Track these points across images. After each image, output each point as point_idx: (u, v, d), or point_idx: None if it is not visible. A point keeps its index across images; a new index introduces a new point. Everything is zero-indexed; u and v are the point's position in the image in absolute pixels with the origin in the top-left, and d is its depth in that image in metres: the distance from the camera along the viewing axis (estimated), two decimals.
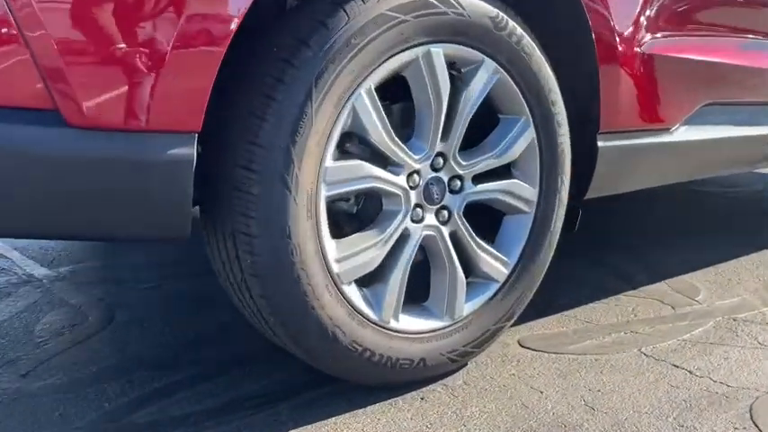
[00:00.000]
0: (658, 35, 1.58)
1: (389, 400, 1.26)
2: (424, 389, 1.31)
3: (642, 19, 1.52)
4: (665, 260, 2.07)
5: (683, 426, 1.21)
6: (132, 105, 0.96)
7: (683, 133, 1.70)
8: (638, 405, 1.28)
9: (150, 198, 1.01)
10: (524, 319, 1.59)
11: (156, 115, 0.98)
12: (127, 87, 0.96)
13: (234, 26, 1.00)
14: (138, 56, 0.95)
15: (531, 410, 1.25)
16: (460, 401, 1.28)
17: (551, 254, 1.47)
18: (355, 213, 1.28)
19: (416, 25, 1.17)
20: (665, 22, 1.59)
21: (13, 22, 0.90)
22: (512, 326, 1.49)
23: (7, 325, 1.56)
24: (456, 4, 1.21)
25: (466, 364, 1.40)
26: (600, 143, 1.51)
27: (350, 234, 1.23)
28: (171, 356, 1.43)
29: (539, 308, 1.64)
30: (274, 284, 1.11)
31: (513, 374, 1.39)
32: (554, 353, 1.48)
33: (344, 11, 1.11)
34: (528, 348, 1.50)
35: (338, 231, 1.23)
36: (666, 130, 1.67)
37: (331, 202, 1.20)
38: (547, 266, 1.46)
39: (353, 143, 1.20)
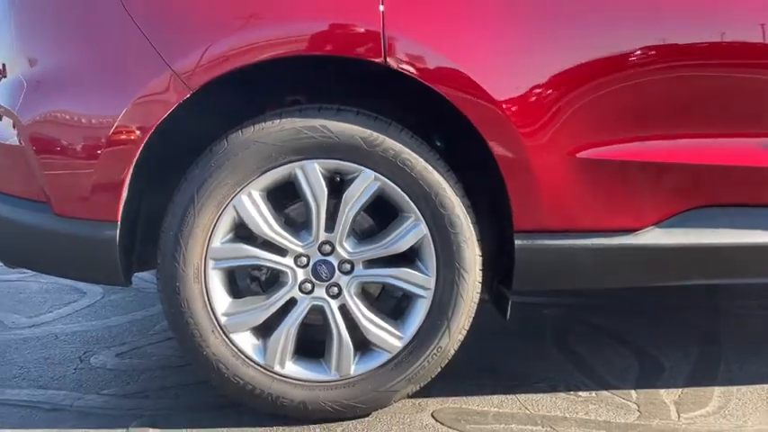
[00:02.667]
0: (596, 139, 1.58)
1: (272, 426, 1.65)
2: (311, 425, 1.66)
3: (565, 126, 1.56)
4: (656, 368, 1.95)
5: None
6: (82, 205, 1.56)
7: (653, 236, 1.64)
8: None
9: (95, 258, 1.59)
10: (460, 390, 1.79)
11: (93, 211, 1.55)
12: (79, 195, 1.56)
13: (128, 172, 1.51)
14: (83, 178, 1.54)
15: None
16: None
17: (457, 336, 1.64)
18: (264, 280, 1.68)
19: (286, 148, 1.52)
20: (602, 126, 1.58)
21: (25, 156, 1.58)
22: (444, 395, 1.72)
23: None
24: (324, 130, 1.52)
25: (367, 415, 1.69)
26: (517, 242, 1.62)
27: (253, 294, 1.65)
28: None
29: (483, 383, 1.79)
30: (174, 326, 1.61)
31: None
32: (455, 430, 1.65)
33: (226, 139, 1.53)
34: (436, 419, 1.69)
35: (249, 291, 1.66)
36: (626, 232, 1.64)
37: (239, 270, 1.64)
38: (451, 347, 1.64)
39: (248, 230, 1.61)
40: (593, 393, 1.81)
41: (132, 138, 1.50)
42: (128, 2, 1.49)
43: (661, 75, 1.57)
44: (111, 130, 1.50)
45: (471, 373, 1.92)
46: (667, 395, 1.80)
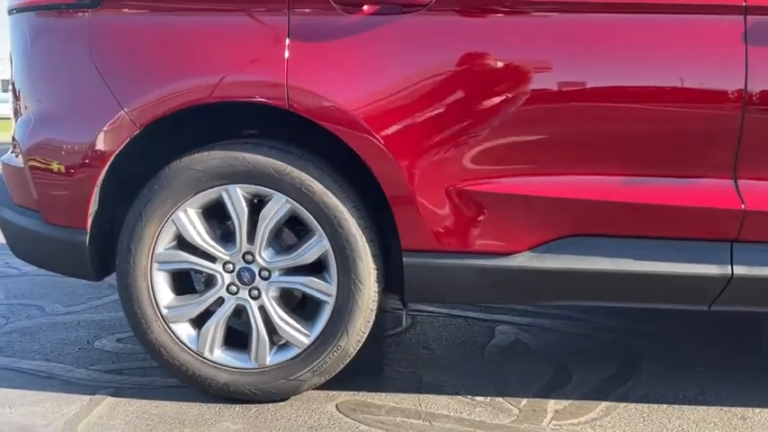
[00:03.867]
0: (472, 174, 1.83)
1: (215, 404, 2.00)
2: (229, 403, 2.00)
3: (442, 161, 1.82)
4: (562, 381, 2.12)
5: None
6: (61, 215, 1.99)
7: (531, 260, 1.86)
8: None
9: (71, 257, 2.01)
10: (375, 389, 2.07)
11: (68, 220, 1.97)
12: (59, 206, 1.99)
13: (93, 190, 1.91)
14: (61, 193, 1.96)
15: None
16: (221, 413, 1.93)
17: (356, 338, 1.93)
18: (204, 281, 2.04)
19: (213, 174, 1.88)
20: (478, 165, 1.82)
21: (26, 175, 2.03)
22: (357, 391, 2.03)
23: None
24: (243, 160, 1.87)
25: (281, 399, 2.01)
26: (408, 260, 1.89)
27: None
28: None
29: (400, 385, 2.08)
30: (127, 315, 1.99)
31: (291, 418, 1.93)
32: (351, 420, 1.92)
33: (168, 166, 1.91)
34: (338, 408, 1.98)
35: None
36: (506, 255, 1.87)
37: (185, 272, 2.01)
38: (350, 346, 1.93)
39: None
40: (489, 399, 2.04)
41: (96, 163, 1.91)
42: (97, 58, 1.91)
43: (530, 120, 1.80)
44: (80, 156, 1.92)
45: (395, 376, 2.20)
46: (554, 405, 1.99)
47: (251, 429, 1.86)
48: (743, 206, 1.77)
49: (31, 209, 2.08)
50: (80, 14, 1.93)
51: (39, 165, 2.00)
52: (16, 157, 2.13)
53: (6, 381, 2.17)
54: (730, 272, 1.80)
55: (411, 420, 1.90)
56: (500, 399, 2.04)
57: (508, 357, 2.38)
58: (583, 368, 2.25)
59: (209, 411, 1.96)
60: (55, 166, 1.97)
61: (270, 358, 1.97)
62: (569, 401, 2.02)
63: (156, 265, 1.96)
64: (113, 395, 2.07)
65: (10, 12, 2.11)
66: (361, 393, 2.07)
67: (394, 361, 2.35)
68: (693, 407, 1.99)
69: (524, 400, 2.02)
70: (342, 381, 2.06)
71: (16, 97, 2.14)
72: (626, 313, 2.76)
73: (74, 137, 1.95)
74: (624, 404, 2.00)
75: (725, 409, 1.98)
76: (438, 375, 2.22)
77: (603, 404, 2.00)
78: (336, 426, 1.87)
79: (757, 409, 1.97)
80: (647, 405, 2.00)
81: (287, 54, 1.82)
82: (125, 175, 1.98)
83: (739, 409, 1.98)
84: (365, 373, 2.19)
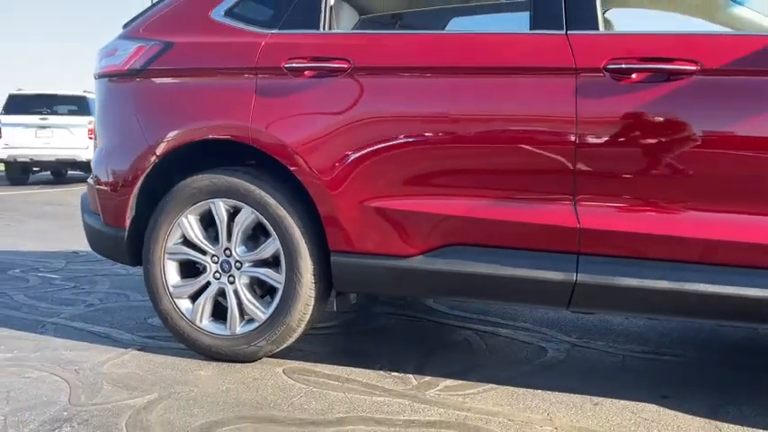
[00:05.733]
0: (378, 194, 2.41)
1: (192, 359, 2.72)
2: (210, 361, 2.69)
3: (357, 185, 2.42)
4: (477, 370, 2.55)
5: None
6: (110, 217, 2.83)
7: (422, 263, 2.41)
8: None
9: (117, 248, 2.84)
10: (323, 361, 2.69)
11: (115, 221, 2.81)
12: (109, 211, 2.83)
13: (129, 200, 2.73)
14: (110, 202, 2.81)
15: (221, 396, 2.50)
16: (200, 366, 2.62)
17: (297, 317, 2.56)
18: (201, 270, 2.78)
19: (204, 191, 2.63)
20: (382, 187, 2.40)
21: (94, 190, 2.92)
22: (307, 361, 2.67)
23: None
24: (223, 181, 2.60)
25: (248, 361, 2.67)
26: (333, 258, 2.51)
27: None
28: None
29: (349, 360, 2.69)
30: (148, 291, 2.77)
31: (246, 372, 2.59)
32: (287, 377, 2.55)
33: (177, 185, 2.68)
34: (283, 372, 2.61)
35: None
36: (404, 257, 2.43)
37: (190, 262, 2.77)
38: (293, 323, 2.56)
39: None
40: (401, 374, 2.57)
41: (131, 181, 2.74)
42: (136, 110, 2.75)
43: (417, 155, 2.37)
44: (122, 177, 2.76)
45: (339, 354, 2.80)
46: (449, 382, 2.49)
47: (215, 375, 2.55)
48: (579, 225, 2.21)
49: (96, 213, 2.95)
50: (129, 82, 2.80)
51: (99, 181, 2.87)
52: (91, 178, 3.03)
53: (77, 336, 3.04)
54: (575, 279, 2.24)
55: (331, 382, 2.49)
56: (410, 375, 2.57)
57: (437, 349, 2.89)
58: (488, 362, 2.71)
59: (193, 364, 2.68)
60: (106, 183, 2.83)
61: (239, 329, 2.66)
62: (462, 381, 2.50)
63: (166, 256, 2.74)
64: (139, 350, 2.85)
65: (95, 77, 3.04)
66: (306, 363, 2.69)
67: (341, 343, 2.95)
68: (523, 389, 2.40)
69: (428, 377, 2.54)
70: (297, 353, 2.71)
71: (94, 137, 3.05)
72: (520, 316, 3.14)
73: (119, 164, 2.79)
74: (503, 387, 2.45)
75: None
76: (371, 356, 2.78)
77: (487, 385, 2.46)
78: (273, 378, 2.52)
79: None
80: (514, 388, 2.43)
81: (252, 106, 2.55)
82: (153, 191, 2.79)
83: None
84: (317, 350, 2.82)
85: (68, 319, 3.34)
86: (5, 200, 9.98)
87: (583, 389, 2.43)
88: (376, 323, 3.34)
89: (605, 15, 3.58)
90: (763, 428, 2.11)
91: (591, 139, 2.19)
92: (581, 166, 2.21)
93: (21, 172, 13.39)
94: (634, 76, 2.15)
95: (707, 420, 2.17)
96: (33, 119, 12.81)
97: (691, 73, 2.10)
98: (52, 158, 12.85)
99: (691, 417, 2.20)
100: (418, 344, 2.99)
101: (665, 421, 2.16)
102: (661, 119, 2.13)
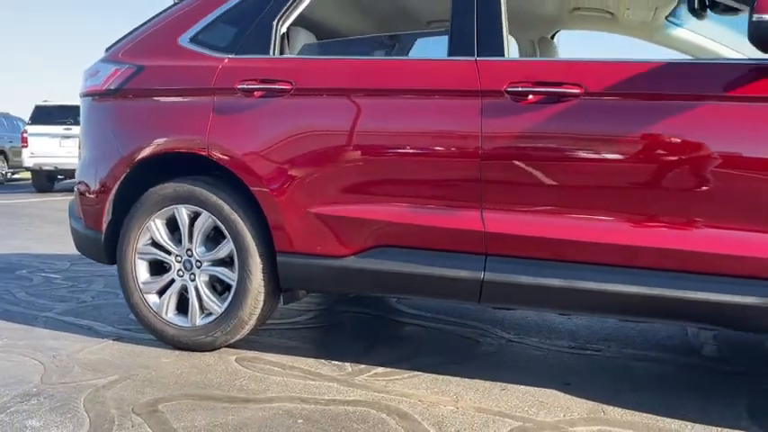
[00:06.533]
0: (316, 202, 2.72)
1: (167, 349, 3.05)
2: (173, 350, 3.02)
3: (299, 194, 2.73)
4: (418, 360, 2.83)
5: None
6: (90, 221, 3.18)
7: (353, 262, 2.71)
8: None
9: (96, 249, 3.19)
10: (273, 351, 3.00)
11: (92, 225, 3.16)
12: (88, 216, 3.18)
13: (105, 206, 3.08)
14: (89, 207, 3.16)
15: (174, 378, 2.82)
16: (164, 354, 2.94)
17: (248, 311, 2.87)
18: (167, 268, 3.11)
19: (169, 198, 2.96)
20: (320, 195, 2.70)
21: (77, 197, 3.27)
22: (259, 351, 2.99)
23: None
24: (184, 189, 2.93)
25: (208, 350, 2.99)
26: (278, 258, 2.82)
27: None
28: None
29: (299, 350, 2.99)
30: (121, 285, 3.11)
31: (202, 359, 2.90)
32: (237, 364, 2.87)
33: (146, 192, 3.02)
34: (235, 359, 2.92)
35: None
36: (338, 257, 2.73)
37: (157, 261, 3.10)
38: (250, 316, 2.87)
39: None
40: (341, 363, 2.86)
41: (107, 188, 3.08)
42: (113, 126, 3.10)
43: (346, 167, 2.67)
44: (99, 184, 3.10)
45: (289, 346, 3.11)
46: (380, 369, 2.77)
47: (174, 361, 2.87)
48: (484, 229, 2.49)
49: (80, 217, 3.30)
50: (107, 100, 3.15)
51: (81, 189, 3.23)
52: (75, 186, 3.39)
53: (63, 328, 3.39)
54: (482, 277, 2.52)
55: (275, 368, 2.80)
56: (348, 363, 2.86)
57: (382, 342, 3.17)
58: (423, 354, 2.99)
59: (157, 352, 3.01)
60: (87, 190, 3.18)
61: (199, 321, 2.99)
62: (392, 369, 2.79)
63: (137, 256, 3.07)
64: (115, 340, 3.19)
65: (80, 96, 3.40)
66: (258, 353, 3.00)
67: (297, 337, 3.25)
68: (456, 377, 2.67)
69: (362, 365, 2.83)
70: (254, 344, 3.03)
71: (79, 149, 3.42)
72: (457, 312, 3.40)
73: (97, 173, 3.14)
74: (427, 374, 2.73)
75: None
76: (320, 348, 3.09)
77: (413, 373, 2.75)
78: (225, 365, 2.83)
79: None
80: (436, 375, 2.71)
81: (209, 123, 2.88)
82: (127, 198, 3.13)
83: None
84: (274, 342, 3.13)
85: (60, 313, 3.70)
86: (29, 206, 10.49)
87: (497, 377, 2.70)
88: (336, 320, 3.65)
89: (542, 43, 3.88)
90: (647, 412, 2.36)
91: (494, 154, 2.47)
92: (486, 178, 2.49)
93: (46, 180, 13.97)
94: (530, 97, 2.43)
95: (596, 404, 2.42)
96: (58, 129, 13.38)
97: (576, 95, 2.37)
98: (75, 167, 13.38)
99: (583, 400, 2.45)
100: (366, 337, 3.28)
101: (557, 403, 2.43)
102: (553, 135, 2.41)
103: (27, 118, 14.01)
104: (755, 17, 2.06)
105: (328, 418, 2.28)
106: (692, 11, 3.12)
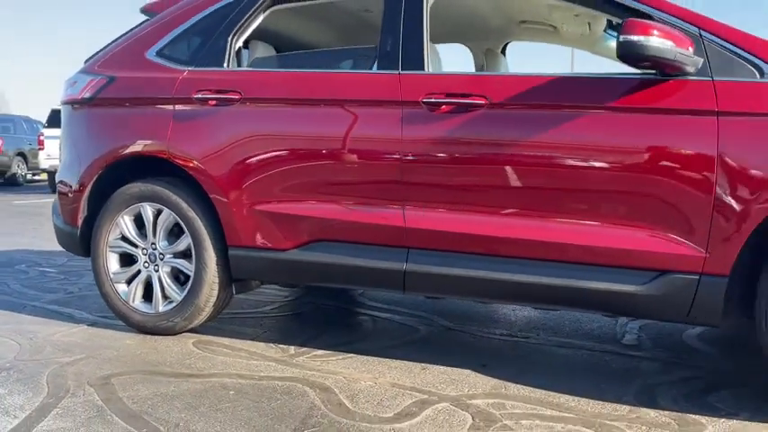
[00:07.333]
0: (261, 200, 3.02)
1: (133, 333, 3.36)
2: (138, 333, 3.33)
3: (245, 193, 3.03)
4: (357, 345, 3.12)
5: None
6: (68, 218, 3.51)
7: (294, 255, 3.01)
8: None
9: (73, 243, 3.52)
10: (227, 335, 3.31)
11: (69, 221, 3.49)
12: (67, 213, 3.51)
13: (80, 204, 3.41)
14: (67, 205, 3.49)
15: (131, 358, 3.13)
16: (130, 338, 3.25)
17: (204, 299, 3.19)
18: (135, 260, 3.43)
19: (135, 196, 3.29)
20: (264, 194, 3.00)
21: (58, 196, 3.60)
22: (215, 336, 3.29)
23: None
24: (149, 189, 3.25)
25: (171, 335, 3.30)
26: (230, 251, 3.13)
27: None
28: None
29: (250, 334, 3.30)
30: (94, 275, 3.44)
31: (162, 341, 3.21)
32: (193, 346, 3.17)
33: (116, 191, 3.35)
34: (192, 343, 3.23)
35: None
36: (282, 251, 3.03)
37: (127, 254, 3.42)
38: (206, 304, 3.18)
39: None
40: (287, 346, 3.16)
41: (82, 188, 3.41)
42: (89, 130, 3.43)
43: (289, 166, 2.97)
44: (75, 184, 3.44)
45: (245, 332, 3.42)
46: (320, 352, 3.06)
47: (137, 344, 3.19)
48: (405, 225, 2.78)
49: (60, 214, 3.64)
50: (83, 108, 3.48)
51: (60, 188, 3.56)
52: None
53: (46, 315, 3.73)
54: (404, 268, 2.80)
55: (225, 350, 3.11)
56: (292, 347, 3.16)
57: (331, 329, 3.46)
58: (364, 339, 3.28)
59: (124, 336, 3.33)
60: (65, 190, 3.51)
61: (161, 308, 3.30)
62: (330, 351, 3.08)
63: (108, 249, 3.40)
64: (89, 326, 3.52)
65: (61, 104, 3.74)
66: (216, 337, 3.31)
67: (258, 324, 3.56)
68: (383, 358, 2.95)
69: (305, 348, 3.12)
70: (214, 330, 3.34)
71: (59, 153, 3.75)
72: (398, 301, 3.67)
73: (74, 175, 3.47)
74: (360, 356, 3.02)
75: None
76: (274, 333, 3.39)
77: (348, 355, 3.03)
78: (181, 347, 3.14)
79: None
80: (368, 357, 2.99)
81: (170, 129, 3.19)
82: (100, 196, 3.45)
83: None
84: (235, 328, 3.44)
85: (46, 302, 4.04)
86: (44, 206, 10.92)
87: (423, 359, 2.98)
88: (298, 310, 3.95)
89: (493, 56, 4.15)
90: (544, 389, 2.62)
91: (412, 158, 2.76)
92: (406, 179, 2.77)
93: None
94: (443, 107, 2.71)
95: (501, 381, 2.69)
96: None
97: (481, 105, 2.65)
98: None
99: (491, 378, 2.73)
100: (319, 325, 3.58)
101: (467, 381, 2.70)
102: (462, 141, 2.69)
103: (44, 121, 14.51)
104: (622, 38, 2.33)
105: (257, 390, 2.57)
106: (612, 27, 3.38)
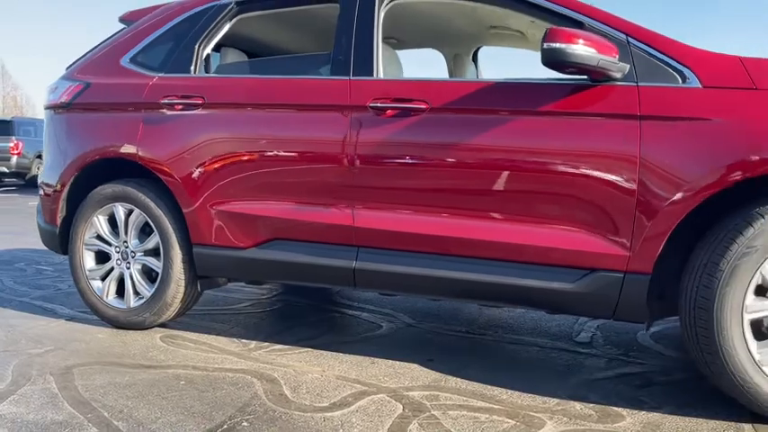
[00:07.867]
0: (220, 200, 3.16)
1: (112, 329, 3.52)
2: (110, 327, 3.49)
3: (208, 194, 3.18)
4: (336, 343, 3.25)
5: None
6: (48, 217, 3.68)
7: (253, 253, 3.14)
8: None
9: (53, 241, 3.69)
10: (199, 330, 3.45)
11: (49, 220, 3.66)
12: (47, 212, 3.69)
13: (59, 204, 3.58)
14: (48, 205, 3.67)
15: (98, 350, 3.29)
16: (102, 332, 3.41)
17: (172, 295, 3.33)
18: (109, 257, 3.59)
19: (108, 197, 3.45)
20: (225, 194, 3.14)
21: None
22: (182, 329, 3.44)
23: None
24: (120, 189, 3.41)
25: (141, 329, 3.45)
26: (194, 249, 3.27)
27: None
28: None
29: (222, 330, 3.44)
30: (72, 272, 3.61)
31: (131, 335, 3.37)
32: (159, 340, 3.32)
33: (92, 192, 3.51)
34: (159, 337, 3.38)
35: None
36: (242, 249, 3.16)
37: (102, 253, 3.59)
38: (170, 299, 3.33)
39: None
40: (247, 341, 3.29)
41: (61, 189, 3.58)
42: (66, 133, 3.61)
43: (248, 168, 3.10)
44: (54, 185, 3.61)
45: (213, 327, 3.56)
46: (277, 346, 3.19)
47: (107, 337, 3.34)
48: (354, 224, 2.90)
49: (42, 214, 3.82)
50: (62, 113, 3.66)
51: (42, 189, 3.74)
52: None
53: (30, 310, 3.91)
54: (354, 265, 2.92)
55: (189, 344, 3.25)
56: (253, 341, 3.29)
57: (297, 324, 3.59)
58: (325, 334, 3.40)
59: (97, 330, 3.49)
60: (46, 191, 3.69)
61: (132, 303, 3.46)
62: (288, 346, 3.21)
63: (84, 247, 3.57)
64: (67, 320, 3.69)
65: (44, 108, 3.92)
66: (184, 332, 3.46)
67: (229, 320, 3.70)
68: (345, 354, 3.07)
69: (265, 343, 3.26)
70: (184, 325, 3.49)
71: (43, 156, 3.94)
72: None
73: (53, 176, 3.65)
74: (316, 350, 3.14)
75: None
76: (242, 329, 3.52)
77: (305, 349, 3.16)
78: (148, 340, 3.29)
79: None
80: (323, 351, 3.11)
81: (139, 133, 3.35)
82: (77, 196, 3.62)
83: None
84: (206, 324, 3.58)
85: (34, 298, 4.23)
86: None
87: (374, 353, 3.10)
88: (271, 307, 4.08)
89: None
90: (481, 382, 2.73)
91: (360, 160, 2.88)
92: (355, 180, 2.89)
93: None
94: (388, 112, 2.83)
95: (442, 375, 2.80)
96: None
97: (423, 110, 2.76)
98: None
99: (432, 372, 2.84)
100: (287, 321, 3.71)
101: (409, 374, 2.81)
102: (405, 144, 2.80)
103: None
104: (545, 45, 2.43)
105: (207, 380, 2.71)
106: None
